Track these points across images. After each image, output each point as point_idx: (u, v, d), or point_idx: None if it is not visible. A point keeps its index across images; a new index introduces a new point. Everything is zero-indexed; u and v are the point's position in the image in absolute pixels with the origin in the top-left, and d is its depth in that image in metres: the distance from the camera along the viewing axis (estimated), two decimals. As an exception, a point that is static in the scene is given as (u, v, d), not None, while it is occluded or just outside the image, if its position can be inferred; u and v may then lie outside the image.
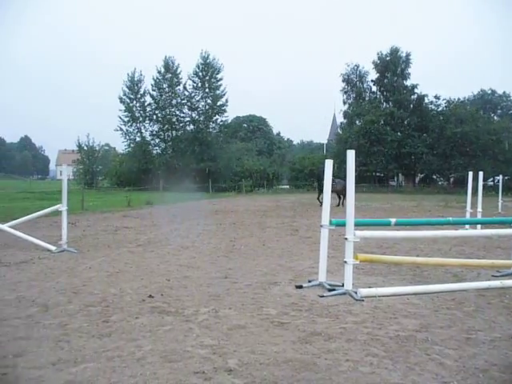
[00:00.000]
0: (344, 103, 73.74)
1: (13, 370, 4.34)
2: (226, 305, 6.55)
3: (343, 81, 73.19)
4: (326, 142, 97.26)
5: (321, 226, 7.93)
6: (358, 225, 7.45)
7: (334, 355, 4.72)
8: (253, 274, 8.72)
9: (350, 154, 7.28)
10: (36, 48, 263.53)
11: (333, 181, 28.65)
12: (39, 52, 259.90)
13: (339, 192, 29.03)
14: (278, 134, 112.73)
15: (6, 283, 7.85)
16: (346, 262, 7.19)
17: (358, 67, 72.71)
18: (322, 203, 28.09)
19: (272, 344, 5.00)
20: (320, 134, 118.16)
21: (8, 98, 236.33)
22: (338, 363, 4.51)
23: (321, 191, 28.41)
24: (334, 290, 7.35)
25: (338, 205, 28.88)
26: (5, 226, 12.06)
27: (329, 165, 7.97)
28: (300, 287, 7.60)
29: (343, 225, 7.39)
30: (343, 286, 7.33)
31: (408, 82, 70.17)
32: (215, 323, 5.71)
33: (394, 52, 69.43)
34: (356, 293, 7.01)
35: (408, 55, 69.84)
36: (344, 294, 7.14)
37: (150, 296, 6.93)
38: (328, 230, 7.92)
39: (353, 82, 72.99)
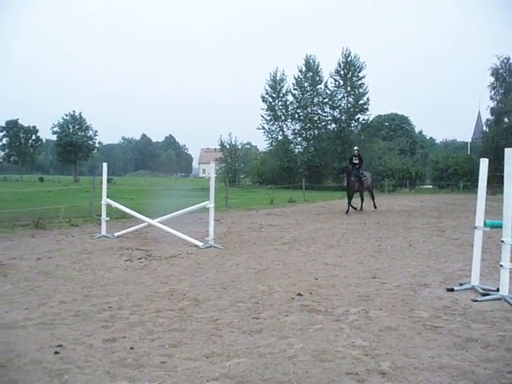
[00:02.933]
0: (491, 99, 70.29)
1: (170, 359, 4.50)
2: (376, 305, 6.43)
3: (492, 75, 69.58)
4: (470, 140, 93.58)
5: (474, 227, 7.59)
6: (514, 227, 7.06)
7: (493, 365, 4.45)
8: (401, 274, 8.51)
9: (509, 153, 6.91)
10: (180, 52, 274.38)
11: (362, 174, 25.06)
12: (184, 56, 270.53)
13: (370, 188, 24.75)
14: (420, 132, 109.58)
15: (158, 276, 8.19)
16: (501, 265, 6.85)
17: (508, 60, 68.84)
18: (355, 208, 24.83)
19: (426, 348, 4.83)
20: (463, 132, 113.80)
21: (153, 99, 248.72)
22: (500, 374, 4.24)
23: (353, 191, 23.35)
24: (488, 294, 7.00)
25: (375, 207, 23.96)
26: (155, 222, 12.58)
27: (484, 164, 7.56)
28: (451, 290, 7.31)
29: (499, 226, 7.05)
30: (498, 290, 6.98)
31: None
32: (366, 324, 5.62)
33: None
34: (513, 299, 6.65)
35: None
36: (499, 299, 6.78)
37: (299, 294, 6.95)
38: (482, 232, 7.57)
39: (502, 76, 69.34)
